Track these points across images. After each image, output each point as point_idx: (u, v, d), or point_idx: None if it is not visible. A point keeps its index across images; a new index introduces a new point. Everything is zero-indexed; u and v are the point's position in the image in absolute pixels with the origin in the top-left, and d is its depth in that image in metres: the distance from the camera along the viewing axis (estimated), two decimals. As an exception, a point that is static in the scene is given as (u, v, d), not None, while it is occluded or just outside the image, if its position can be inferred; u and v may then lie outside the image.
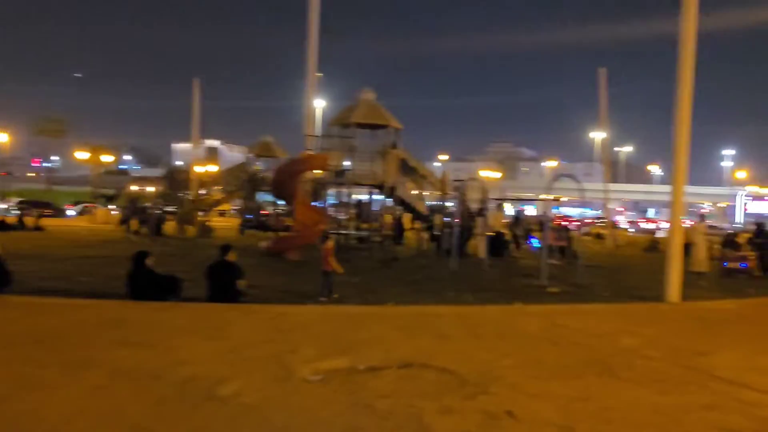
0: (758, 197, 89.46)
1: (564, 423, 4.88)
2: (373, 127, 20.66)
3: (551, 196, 16.88)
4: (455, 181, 25.15)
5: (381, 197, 22.70)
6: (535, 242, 24.96)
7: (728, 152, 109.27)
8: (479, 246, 19.76)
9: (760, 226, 20.53)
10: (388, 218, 22.45)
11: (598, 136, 43.78)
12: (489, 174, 67.84)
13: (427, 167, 24.73)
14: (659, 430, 4.83)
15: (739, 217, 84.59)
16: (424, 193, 25.30)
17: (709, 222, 46.86)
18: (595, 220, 54.01)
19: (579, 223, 40.01)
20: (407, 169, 21.28)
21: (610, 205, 40.45)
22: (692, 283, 14.06)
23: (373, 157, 20.16)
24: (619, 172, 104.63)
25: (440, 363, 6.49)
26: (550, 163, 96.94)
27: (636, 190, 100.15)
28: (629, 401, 5.58)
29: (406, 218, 27.42)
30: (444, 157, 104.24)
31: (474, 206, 21.82)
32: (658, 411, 5.31)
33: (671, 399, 5.66)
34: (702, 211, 57.31)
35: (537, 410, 5.17)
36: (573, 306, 11.38)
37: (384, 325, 8.59)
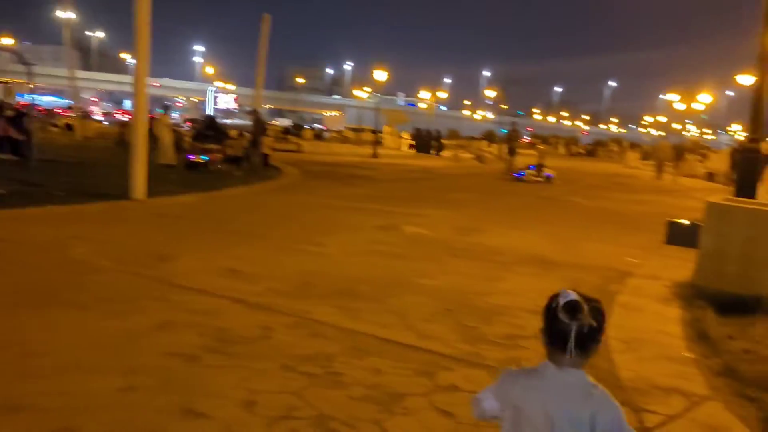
0: (225, 92, 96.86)
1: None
2: None
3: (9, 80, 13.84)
4: None
5: None
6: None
7: (199, 48, 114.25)
8: None
9: (209, 119, 21.41)
10: None
11: (65, 16, 39.02)
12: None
13: None
14: (93, 371, 3.82)
15: (211, 111, 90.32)
16: None
17: (178, 115, 47.97)
18: (66, 110, 49.65)
19: (45, 113, 35.86)
20: None
21: (84, 95, 37.27)
22: (161, 177, 13.52)
23: None
24: (92, 59, 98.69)
25: None
26: (6, 41, 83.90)
27: (109, 80, 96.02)
28: (69, 334, 4.45)
29: None
30: None
31: None
32: (101, 343, 4.32)
33: (121, 323, 4.74)
34: (169, 103, 57.95)
35: None
36: (18, 211, 9.41)
37: None
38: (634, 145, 75.28)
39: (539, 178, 21.46)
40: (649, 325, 5.50)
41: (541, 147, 31.32)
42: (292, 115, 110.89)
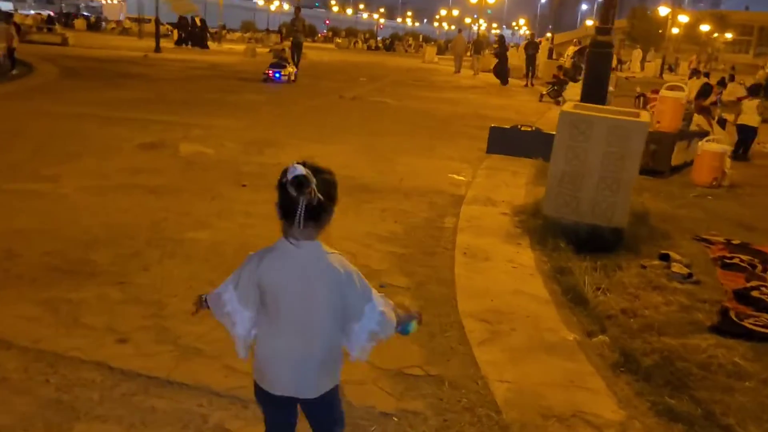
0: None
1: None
2: None
3: None
4: None
5: None
6: None
7: None
8: None
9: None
10: None
11: None
12: None
13: None
14: None
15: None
16: None
17: None
18: None
19: None
20: None
21: None
22: None
23: None
24: None
25: None
26: None
27: None
28: None
29: None
30: None
31: None
32: None
33: None
34: None
35: None
36: None
37: None
38: (428, 40, 76.13)
39: (288, 76, 17.35)
40: (505, 285, 4.11)
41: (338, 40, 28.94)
42: (66, 3, 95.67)
